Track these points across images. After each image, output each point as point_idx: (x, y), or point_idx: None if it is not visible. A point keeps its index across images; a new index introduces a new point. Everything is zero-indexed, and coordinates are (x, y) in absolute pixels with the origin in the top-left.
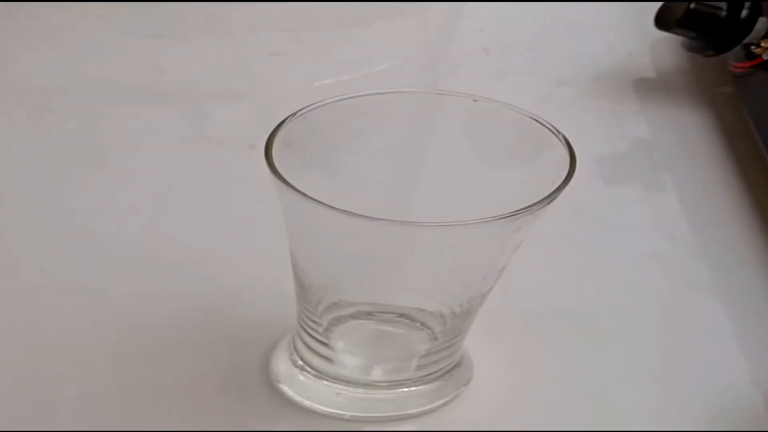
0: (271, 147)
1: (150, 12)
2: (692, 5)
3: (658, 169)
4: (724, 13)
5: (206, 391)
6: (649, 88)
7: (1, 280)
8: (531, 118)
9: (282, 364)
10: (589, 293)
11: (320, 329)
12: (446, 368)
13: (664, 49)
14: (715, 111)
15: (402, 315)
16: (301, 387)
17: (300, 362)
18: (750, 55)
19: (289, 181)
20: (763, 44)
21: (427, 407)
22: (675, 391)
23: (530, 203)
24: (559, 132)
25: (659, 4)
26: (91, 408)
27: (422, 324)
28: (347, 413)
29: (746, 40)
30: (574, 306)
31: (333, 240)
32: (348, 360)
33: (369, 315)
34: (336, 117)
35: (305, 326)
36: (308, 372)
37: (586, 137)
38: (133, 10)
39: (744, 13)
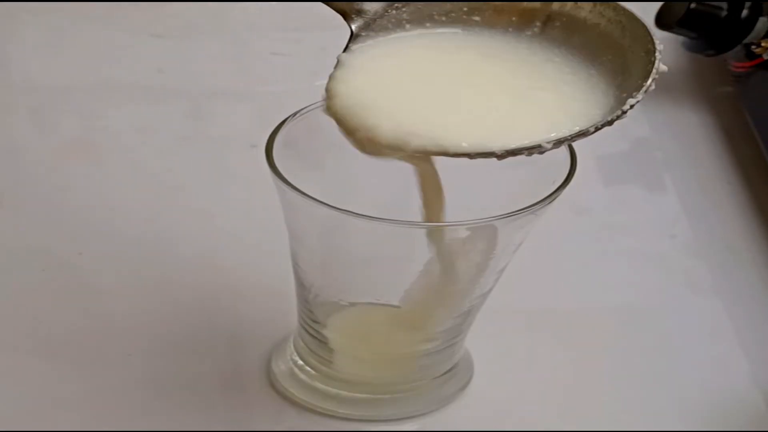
0: (272, 147)
1: (150, 12)
2: (692, 5)
3: (659, 169)
4: (724, 13)
5: (206, 391)
6: None
7: (1, 280)
8: None
9: (282, 364)
10: (589, 293)
11: (320, 329)
12: (446, 368)
13: (664, 49)
14: (715, 111)
15: None
16: (301, 387)
17: (300, 362)
18: (750, 55)
19: (290, 180)
20: (763, 44)
21: (427, 407)
22: (675, 391)
23: (530, 203)
24: None
25: (659, 4)
26: (91, 408)
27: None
28: (347, 413)
29: (746, 40)
30: (574, 306)
31: (333, 240)
32: (348, 359)
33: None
34: None
35: (305, 326)
36: (308, 372)
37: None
38: (133, 10)
39: (744, 12)
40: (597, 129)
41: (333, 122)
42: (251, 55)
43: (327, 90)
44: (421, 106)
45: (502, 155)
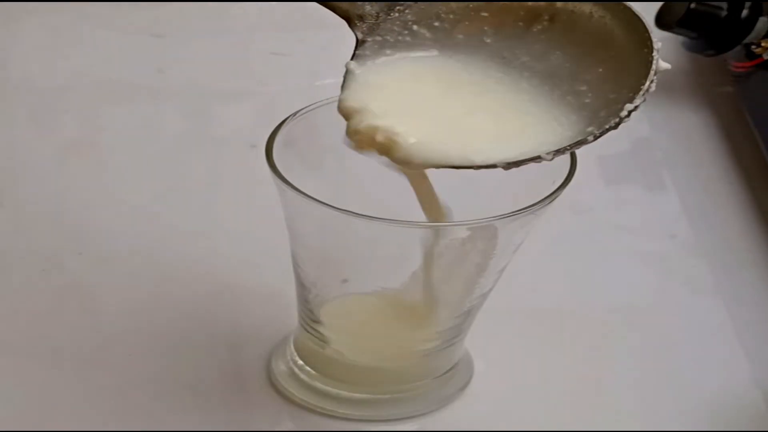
0: (272, 147)
1: (150, 12)
2: (692, 5)
3: (659, 169)
4: (724, 13)
5: (206, 391)
6: None
7: (1, 280)
8: None
9: (282, 364)
10: (590, 293)
11: (321, 328)
12: (446, 368)
13: (664, 49)
14: (715, 111)
15: None
16: (301, 387)
17: (300, 362)
18: (750, 55)
19: (290, 180)
20: (763, 44)
21: (427, 407)
22: (675, 391)
23: (530, 203)
24: None
25: (659, 4)
26: (91, 408)
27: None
28: (347, 413)
29: (747, 40)
30: (574, 306)
31: (333, 239)
32: (348, 359)
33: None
34: (336, 117)
35: (306, 325)
36: (308, 372)
37: None
38: (133, 10)
39: (744, 12)
40: (596, 137)
41: (332, 122)
42: (251, 55)
43: (341, 110)
44: (431, 122)
45: (505, 167)
